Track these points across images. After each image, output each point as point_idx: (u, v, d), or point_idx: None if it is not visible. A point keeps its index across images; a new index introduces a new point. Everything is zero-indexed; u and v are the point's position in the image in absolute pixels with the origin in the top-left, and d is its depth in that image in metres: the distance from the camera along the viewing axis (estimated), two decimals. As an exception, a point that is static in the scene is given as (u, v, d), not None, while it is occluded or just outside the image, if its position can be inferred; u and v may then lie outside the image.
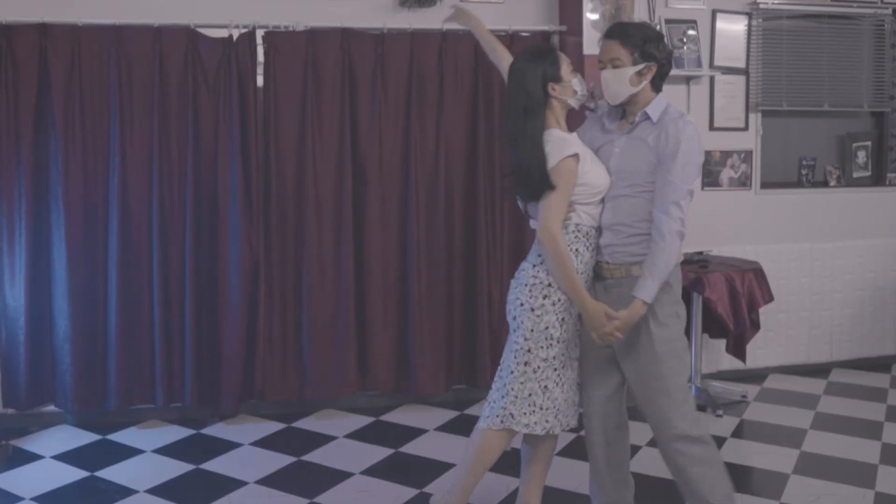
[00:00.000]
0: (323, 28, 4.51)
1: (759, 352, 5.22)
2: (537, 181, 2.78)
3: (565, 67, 2.89)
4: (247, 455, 4.09)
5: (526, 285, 2.86)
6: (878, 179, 5.63)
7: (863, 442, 4.20)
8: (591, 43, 4.56)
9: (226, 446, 4.19)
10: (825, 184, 5.51)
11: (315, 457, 4.05)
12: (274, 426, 4.48)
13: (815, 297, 5.36)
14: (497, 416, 2.92)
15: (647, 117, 2.86)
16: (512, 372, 2.89)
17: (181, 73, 4.40)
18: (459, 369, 4.80)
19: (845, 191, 5.51)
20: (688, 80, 5.02)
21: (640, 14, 4.70)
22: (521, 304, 2.86)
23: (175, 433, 4.38)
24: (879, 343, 5.53)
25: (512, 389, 2.88)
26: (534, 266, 2.87)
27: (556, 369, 2.88)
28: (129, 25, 4.32)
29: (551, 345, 2.86)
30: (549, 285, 2.83)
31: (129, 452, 4.12)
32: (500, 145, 2.90)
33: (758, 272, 4.69)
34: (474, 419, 4.50)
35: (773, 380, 5.25)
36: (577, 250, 2.84)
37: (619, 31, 2.88)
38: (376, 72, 4.56)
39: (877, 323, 5.51)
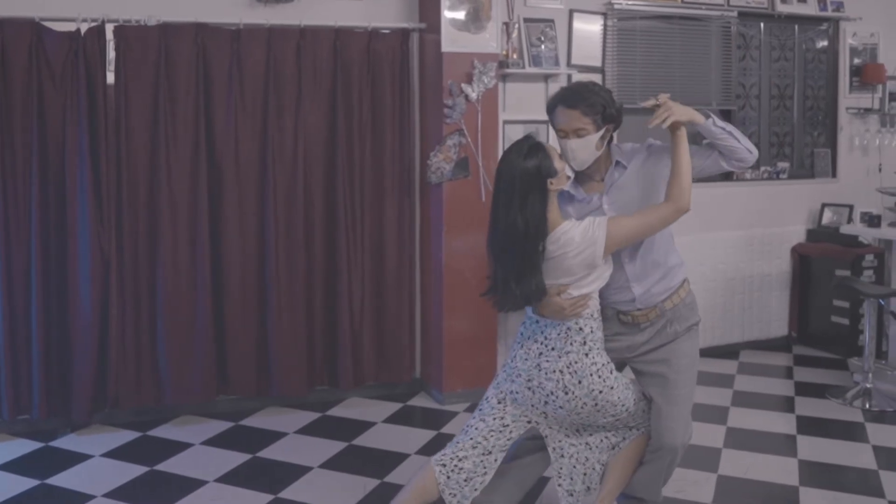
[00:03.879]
0: (176, 23, 4.38)
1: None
2: (534, 291, 2.68)
3: (555, 156, 2.72)
4: (97, 467, 3.95)
5: (592, 375, 2.76)
6: (727, 175, 5.87)
7: (710, 427, 4.39)
8: (449, 40, 4.61)
9: (75, 459, 4.03)
10: (678, 179, 5.71)
11: (169, 465, 3.95)
12: (129, 435, 4.35)
13: (670, 289, 5.56)
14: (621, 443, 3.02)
15: (620, 165, 2.90)
16: (623, 431, 2.99)
17: (25, 69, 4.19)
18: (321, 370, 4.77)
19: (697, 186, 5.55)
20: (546, 77, 5.11)
21: (498, 12, 4.75)
22: (601, 392, 2.78)
23: (22, 447, 4.18)
24: (729, 331, 5.81)
25: (635, 427, 3.00)
26: (586, 355, 2.77)
27: (629, 387, 2.93)
28: (-35, 17, 4.09)
29: (629, 387, 2.92)
30: (606, 364, 2.82)
31: (-31, 470, 3.91)
32: (489, 254, 2.76)
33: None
34: (336, 420, 4.56)
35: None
36: (601, 334, 2.85)
37: (579, 100, 2.78)
38: (232, 69, 4.47)
39: (727, 312, 5.78)
